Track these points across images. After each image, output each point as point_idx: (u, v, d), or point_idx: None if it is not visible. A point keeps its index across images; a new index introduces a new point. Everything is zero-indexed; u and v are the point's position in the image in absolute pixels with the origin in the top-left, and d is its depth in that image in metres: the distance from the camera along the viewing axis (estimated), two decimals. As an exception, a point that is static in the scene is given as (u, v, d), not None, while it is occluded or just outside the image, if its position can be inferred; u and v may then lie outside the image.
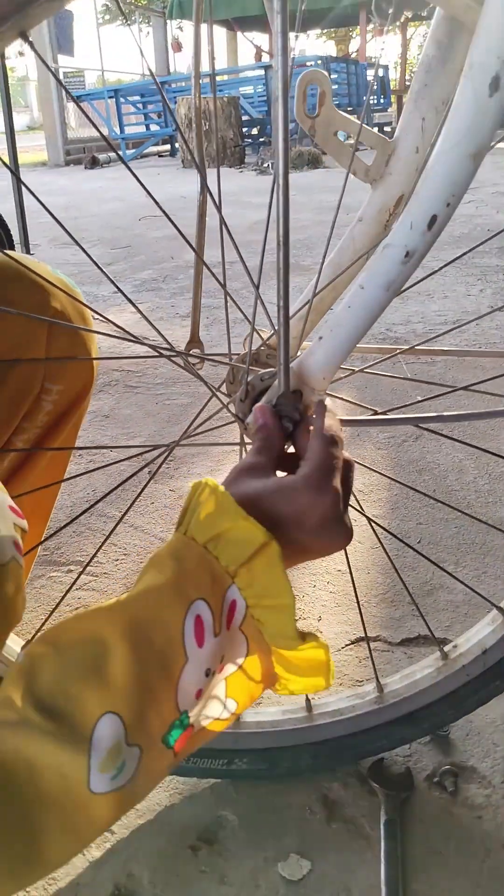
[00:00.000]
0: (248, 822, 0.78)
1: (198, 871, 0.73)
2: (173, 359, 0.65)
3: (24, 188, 0.50)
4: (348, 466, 0.48)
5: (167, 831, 0.77)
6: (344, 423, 0.52)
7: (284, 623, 0.44)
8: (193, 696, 0.41)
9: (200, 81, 0.65)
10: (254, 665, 0.45)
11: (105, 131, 10.08)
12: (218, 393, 0.61)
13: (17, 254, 0.70)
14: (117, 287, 0.54)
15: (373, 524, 0.73)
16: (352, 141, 0.61)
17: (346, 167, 0.60)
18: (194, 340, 0.68)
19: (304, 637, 0.45)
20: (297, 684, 0.47)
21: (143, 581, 0.42)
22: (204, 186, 0.62)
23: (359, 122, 0.60)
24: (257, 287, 0.57)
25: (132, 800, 0.39)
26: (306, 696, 0.78)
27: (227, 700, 0.45)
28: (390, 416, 0.56)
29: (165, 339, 0.64)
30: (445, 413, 0.56)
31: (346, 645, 1.02)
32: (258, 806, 0.80)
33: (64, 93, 10.91)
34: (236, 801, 0.80)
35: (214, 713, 0.45)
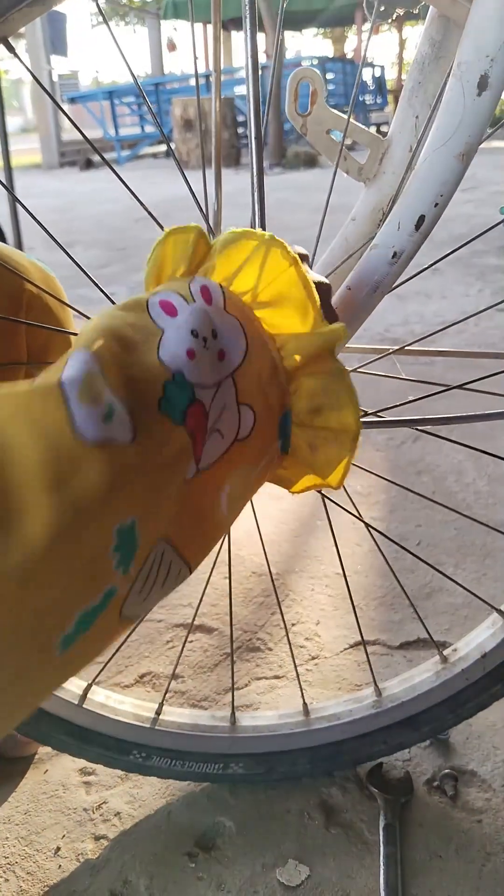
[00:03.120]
0: (246, 827, 0.77)
1: (195, 878, 0.72)
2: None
3: (14, 195, 0.50)
4: None
5: (164, 838, 0.77)
6: None
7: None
8: (184, 355, 0.34)
9: (197, 83, 0.64)
10: (259, 358, 0.39)
11: (99, 133, 10.06)
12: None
13: None
14: (104, 293, 0.53)
15: (370, 528, 0.72)
16: (346, 140, 0.60)
17: (338, 165, 0.59)
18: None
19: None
20: (311, 396, 0.41)
21: None
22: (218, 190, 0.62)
23: (351, 121, 0.59)
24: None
25: (130, 467, 0.29)
26: (303, 700, 0.77)
27: (241, 407, 0.38)
28: (387, 417, 0.56)
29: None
30: (442, 416, 0.55)
31: (345, 649, 1.02)
32: (256, 811, 0.79)
33: (58, 95, 10.90)
34: (234, 807, 0.79)
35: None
